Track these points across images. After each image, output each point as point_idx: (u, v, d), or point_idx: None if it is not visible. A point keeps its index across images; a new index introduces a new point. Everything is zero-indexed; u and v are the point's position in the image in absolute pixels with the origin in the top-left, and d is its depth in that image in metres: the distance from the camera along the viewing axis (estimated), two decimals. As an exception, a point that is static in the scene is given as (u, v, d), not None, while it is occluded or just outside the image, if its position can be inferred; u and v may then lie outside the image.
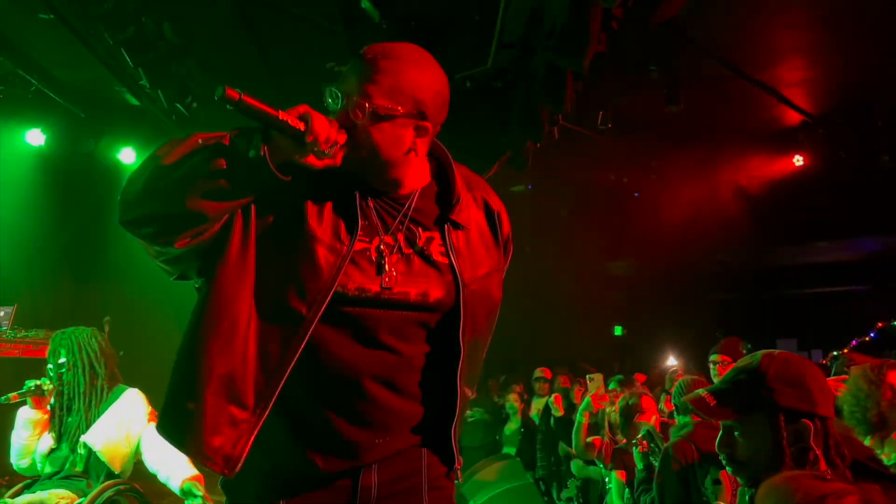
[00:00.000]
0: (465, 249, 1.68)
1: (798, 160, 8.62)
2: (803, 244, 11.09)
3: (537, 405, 7.48)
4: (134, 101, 7.14)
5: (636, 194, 10.12)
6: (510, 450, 7.17)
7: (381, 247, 1.57)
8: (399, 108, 1.53)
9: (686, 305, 11.70)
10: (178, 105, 6.75)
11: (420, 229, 1.64)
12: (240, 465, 1.49)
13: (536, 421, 7.14)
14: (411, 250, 1.60)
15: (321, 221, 1.54)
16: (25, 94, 6.80)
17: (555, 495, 6.38)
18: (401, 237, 1.60)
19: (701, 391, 1.79)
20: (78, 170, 7.60)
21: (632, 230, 10.51)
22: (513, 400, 7.38)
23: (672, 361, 4.97)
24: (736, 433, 1.70)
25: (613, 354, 11.60)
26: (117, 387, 3.67)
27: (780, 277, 11.86)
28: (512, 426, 7.31)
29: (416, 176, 1.67)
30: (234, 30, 6.17)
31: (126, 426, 3.51)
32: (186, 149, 1.50)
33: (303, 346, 1.47)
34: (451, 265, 1.62)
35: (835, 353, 5.38)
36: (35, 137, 7.15)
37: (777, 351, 1.74)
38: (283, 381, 1.48)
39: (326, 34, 6.20)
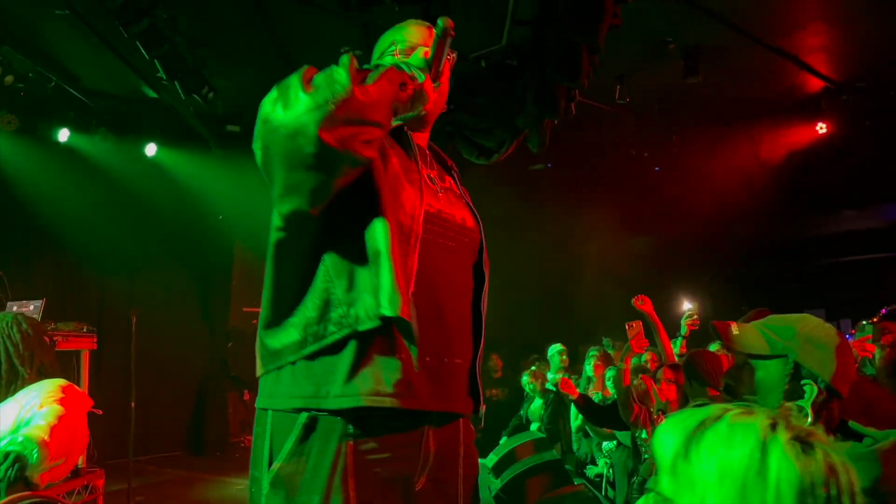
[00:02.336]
0: (468, 196, 1.86)
1: (821, 128, 8.48)
2: (828, 213, 10.93)
3: (553, 381, 7.51)
4: (152, 93, 7.20)
5: (657, 168, 10.01)
6: (536, 426, 7.20)
7: (431, 175, 1.73)
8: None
9: (711, 279, 11.61)
10: (196, 96, 6.79)
11: (441, 170, 1.83)
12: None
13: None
14: (442, 184, 1.76)
15: (397, 154, 1.64)
16: (45, 91, 6.88)
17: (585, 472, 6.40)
18: (434, 174, 1.75)
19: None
20: (101, 164, 7.69)
21: (653, 205, 10.42)
22: (528, 380, 7.40)
23: (687, 305, 4.88)
24: (745, 370, 1.71)
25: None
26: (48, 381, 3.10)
27: (805, 247, 11.71)
28: (535, 403, 7.33)
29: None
30: (248, 18, 6.18)
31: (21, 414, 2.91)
32: (383, 77, 1.50)
33: (417, 256, 1.54)
34: (468, 203, 1.81)
35: (864, 321, 5.31)
36: (59, 133, 7.25)
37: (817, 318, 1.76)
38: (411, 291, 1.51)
39: (340, 19, 6.19)
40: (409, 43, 1.80)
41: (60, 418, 2.76)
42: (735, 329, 1.75)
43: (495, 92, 6.68)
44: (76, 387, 3.10)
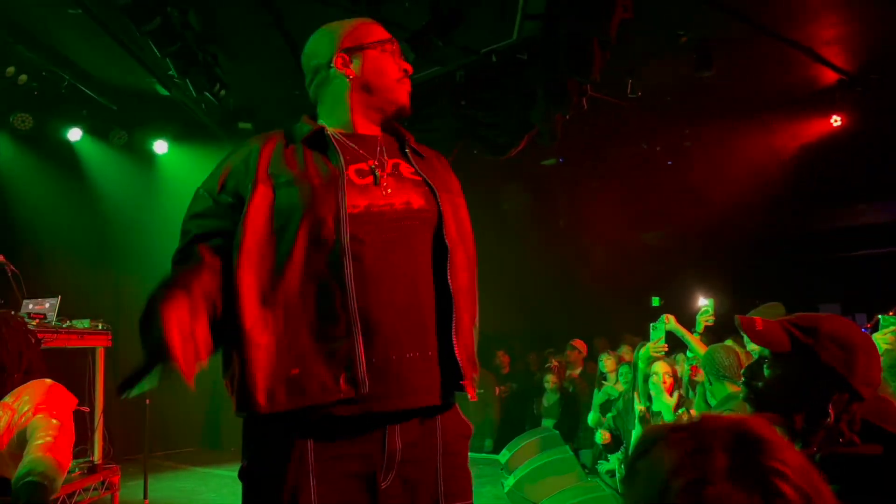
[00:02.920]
0: (430, 171, 1.82)
1: (835, 121, 8.41)
2: (843, 207, 10.84)
3: (570, 376, 7.52)
4: (164, 91, 7.23)
5: (669, 163, 9.97)
6: (549, 422, 7.20)
7: (362, 168, 1.72)
8: None
9: (724, 273, 11.54)
10: (207, 94, 6.81)
11: (386, 158, 1.78)
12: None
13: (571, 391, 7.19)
14: (384, 171, 1.74)
15: (307, 167, 1.68)
16: (59, 90, 6.93)
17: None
18: (370, 164, 1.74)
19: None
20: (113, 162, 7.74)
21: (666, 199, 10.37)
22: (548, 376, 7.40)
23: (702, 301, 4.86)
24: (765, 365, 1.70)
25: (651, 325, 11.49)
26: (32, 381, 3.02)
27: (820, 241, 11.63)
28: (550, 398, 7.34)
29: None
30: (258, 15, 6.19)
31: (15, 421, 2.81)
32: None
33: (350, 267, 1.58)
34: (423, 179, 1.77)
35: (880, 316, 5.26)
36: (71, 132, 7.29)
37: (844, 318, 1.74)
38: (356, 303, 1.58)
39: (350, 15, 6.19)
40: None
41: (59, 429, 2.74)
42: (760, 324, 1.74)
43: (506, 87, 6.67)
44: (61, 386, 3.09)
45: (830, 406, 1.57)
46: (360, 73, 1.83)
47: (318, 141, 1.76)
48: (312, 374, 1.56)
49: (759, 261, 11.80)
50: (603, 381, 6.58)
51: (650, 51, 6.84)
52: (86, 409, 3.32)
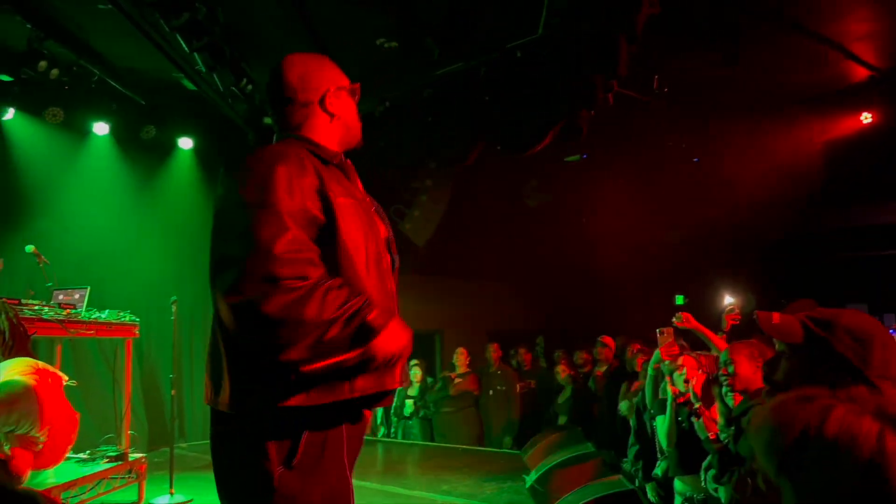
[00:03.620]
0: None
1: (866, 118, 8.29)
2: (872, 205, 10.67)
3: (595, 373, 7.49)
4: (191, 86, 7.29)
5: (695, 159, 9.88)
6: (562, 418, 7.20)
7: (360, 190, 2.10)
8: None
9: (751, 272, 11.42)
10: (234, 88, 6.87)
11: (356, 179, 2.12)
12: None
13: (593, 389, 7.17)
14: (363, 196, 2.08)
15: (349, 188, 2.01)
16: (88, 85, 7.02)
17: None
18: (360, 187, 2.13)
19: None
20: (142, 156, 7.83)
21: (692, 196, 10.28)
22: (561, 370, 7.39)
23: (728, 300, 4.84)
24: (783, 359, 1.68)
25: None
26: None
27: (848, 239, 11.46)
28: (565, 395, 7.32)
29: None
30: (285, 10, 6.23)
31: None
32: None
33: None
34: (373, 200, 2.12)
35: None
36: (99, 126, 7.39)
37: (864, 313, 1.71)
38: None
39: (376, 11, 6.21)
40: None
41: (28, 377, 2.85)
42: (776, 318, 1.73)
43: (531, 83, 6.65)
44: (47, 365, 3.19)
45: None
46: (341, 112, 2.11)
47: (339, 164, 2.04)
48: None
49: (787, 259, 11.66)
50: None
51: (677, 46, 6.78)
52: (75, 382, 3.41)
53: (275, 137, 2.10)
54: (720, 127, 9.19)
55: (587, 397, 7.09)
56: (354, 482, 1.87)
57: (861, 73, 7.65)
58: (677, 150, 9.66)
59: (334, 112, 2.08)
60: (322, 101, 2.07)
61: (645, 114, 8.35)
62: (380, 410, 8.56)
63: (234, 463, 1.76)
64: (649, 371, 4.72)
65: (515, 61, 6.69)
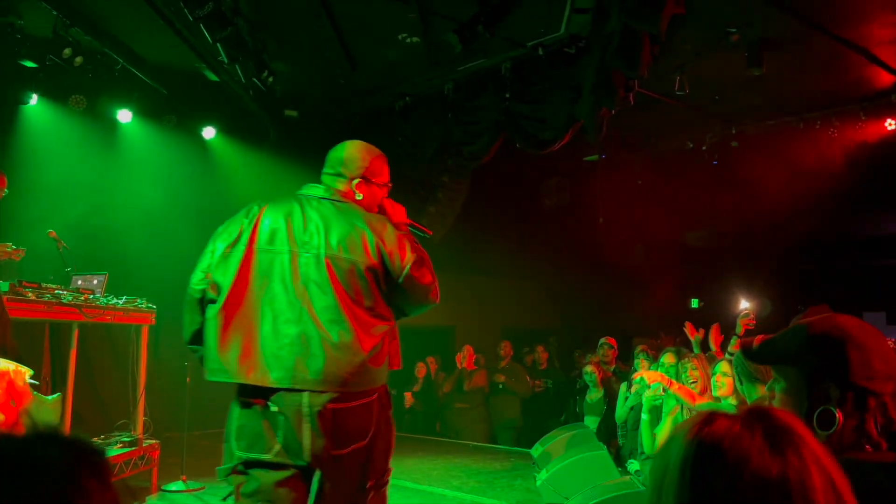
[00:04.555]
0: None
1: (890, 124, 8.19)
2: (893, 212, 10.57)
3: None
4: (213, 77, 7.33)
5: (715, 162, 9.81)
6: (592, 420, 7.14)
7: None
8: None
9: (767, 277, 11.34)
10: (255, 80, 6.90)
11: None
12: None
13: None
14: None
15: None
16: (112, 73, 7.07)
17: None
18: None
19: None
20: (162, 145, 7.88)
21: (710, 199, 10.21)
22: (590, 370, 7.35)
23: (744, 304, 4.86)
24: (773, 384, 1.65)
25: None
26: None
27: (868, 247, 11.35)
28: (594, 396, 7.27)
29: None
30: (308, 3, 6.24)
31: None
32: None
33: None
34: None
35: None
36: (122, 114, 7.44)
37: (838, 314, 1.67)
38: None
39: (398, 5, 6.21)
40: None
41: None
42: (757, 342, 1.70)
43: (552, 80, 6.64)
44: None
45: (838, 410, 1.51)
46: (381, 200, 2.78)
47: None
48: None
49: (805, 265, 11.57)
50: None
51: (700, 47, 6.73)
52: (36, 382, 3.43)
53: (328, 186, 2.71)
54: (741, 130, 9.13)
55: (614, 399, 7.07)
56: None
57: (886, 78, 7.56)
58: (697, 152, 9.60)
59: (381, 201, 2.78)
60: (381, 187, 2.77)
61: (666, 115, 8.31)
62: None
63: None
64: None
65: (538, 59, 6.68)
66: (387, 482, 2.56)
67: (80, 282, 5.33)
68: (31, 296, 4.36)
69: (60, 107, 7.12)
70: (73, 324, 5.65)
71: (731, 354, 4.52)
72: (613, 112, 6.12)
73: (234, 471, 2.41)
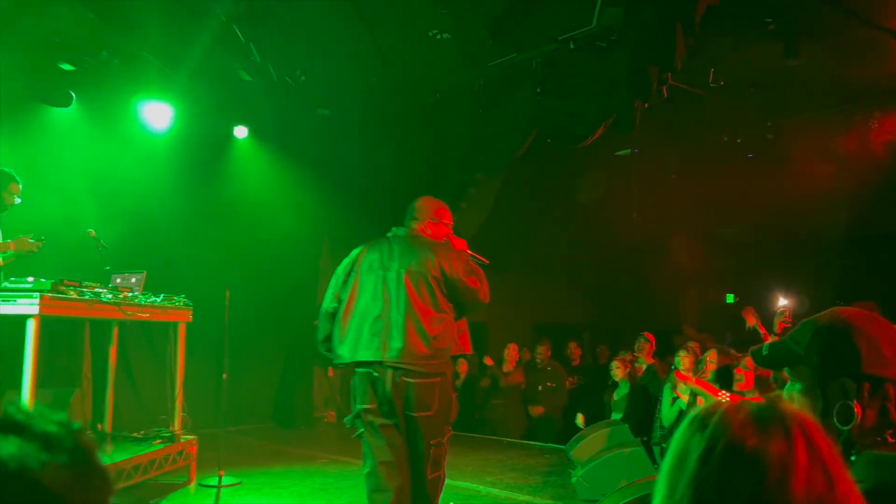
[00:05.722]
0: None
1: (933, 113, 8.00)
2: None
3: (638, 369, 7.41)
4: (246, 76, 7.40)
5: (751, 155, 9.66)
6: (617, 415, 7.11)
7: None
8: None
9: (806, 272, 11.13)
10: (288, 79, 6.95)
11: None
12: None
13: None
14: None
15: None
16: (146, 73, 7.17)
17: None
18: None
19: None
20: (196, 144, 7.96)
21: (746, 193, 10.06)
22: (615, 366, 7.31)
23: (782, 301, 4.81)
24: (790, 388, 1.62)
25: (725, 323, 11.22)
26: None
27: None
28: (621, 391, 7.24)
29: None
30: (339, 2, 6.27)
31: None
32: None
33: None
34: None
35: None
36: (155, 114, 7.53)
37: (841, 307, 1.64)
38: None
39: (429, 3, 6.21)
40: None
41: None
42: (764, 349, 1.67)
43: (584, 75, 6.59)
44: None
45: (855, 403, 1.48)
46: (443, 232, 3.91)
47: None
48: None
49: (844, 260, 11.33)
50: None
51: (735, 38, 6.62)
52: None
53: (408, 227, 3.82)
54: (778, 122, 8.97)
55: (643, 395, 7.01)
56: None
57: (929, 67, 7.39)
58: (732, 145, 9.46)
59: (447, 235, 3.91)
60: (445, 225, 3.92)
61: (700, 107, 8.20)
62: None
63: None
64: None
65: (569, 53, 6.63)
66: (446, 442, 3.66)
67: (118, 280, 5.41)
68: (72, 294, 4.44)
69: (98, 108, 7.24)
70: (113, 321, 5.76)
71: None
72: (647, 105, 6.06)
73: (356, 416, 3.62)
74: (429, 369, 3.50)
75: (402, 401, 3.49)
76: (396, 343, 3.48)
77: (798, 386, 1.60)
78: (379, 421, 3.54)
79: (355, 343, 3.58)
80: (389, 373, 3.48)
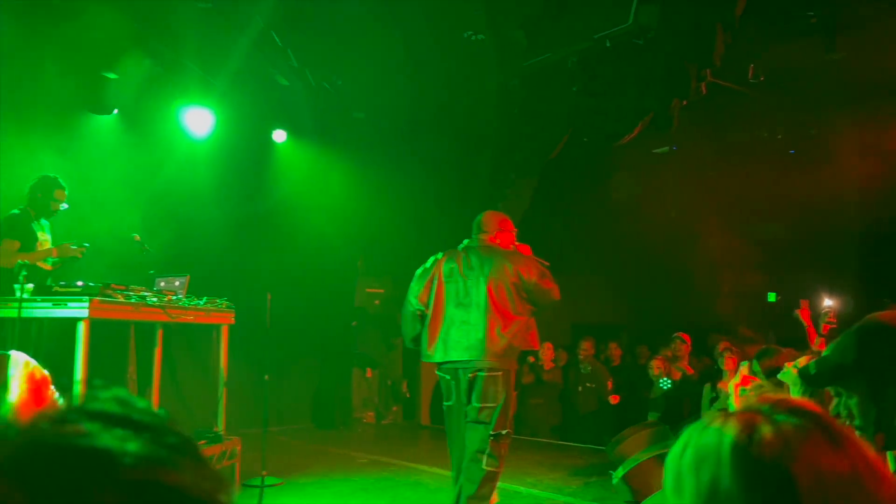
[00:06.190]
0: None
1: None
2: None
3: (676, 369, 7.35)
4: (284, 81, 7.49)
5: (791, 151, 9.50)
6: (654, 414, 7.07)
7: None
8: None
9: (850, 271, 10.91)
10: (325, 83, 7.02)
11: None
12: None
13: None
14: None
15: None
16: (186, 80, 7.30)
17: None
18: None
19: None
20: (235, 149, 8.07)
21: (787, 190, 9.88)
22: (654, 366, 7.25)
23: (827, 302, 4.72)
24: (841, 398, 1.59)
25: (766, 322, 11.04)
26: None
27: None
28: (656, 392, 7.19)
29: None
30: (373, 4, 6.32)
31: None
32: None
33: None
34: None
35: None
36: (196, 120, 7.66)
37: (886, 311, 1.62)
38: None
39: (464, 4, 6.23)
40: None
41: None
42: (811, 367, 1.65)
43: (620, 73, 6.54)
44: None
45: None
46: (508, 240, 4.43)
47: None
48: None
49: (889, 258, 11.07)
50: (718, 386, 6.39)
51: (775, 32, 6.52)
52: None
53: (479, 239, 4.32)
54: (819, 117, 8.81)
55: (679, 394, 6.96)
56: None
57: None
58: (773, 141, 9.31)
59: (512, 242, 4.43)
60: (510, 233, 4.43)
61: (739, 104, 8.09)
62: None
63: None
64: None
65: (605, 51, 6.59)
66: (507, 433, 4.08)
67: (162, 283, 5.52)
68: (119, 298, 4.54)
69: (140, 115, 7.38)
70: (157, 324, 5.87)
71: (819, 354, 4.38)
72: (685, 103, 6.00)
73: (445, 412, 4.21)
74: (501, 365, 4.00)
75: (476, 394, 4.00)
76: (479, 344, 3.97)
77: (853, 399, 1.58)
78: (460, 414, 4.09)
79: (444, 345, 4.10)
80: (471, 371, 4.00)
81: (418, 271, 4.32)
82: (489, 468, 3.99)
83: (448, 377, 4.12)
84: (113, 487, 0.44)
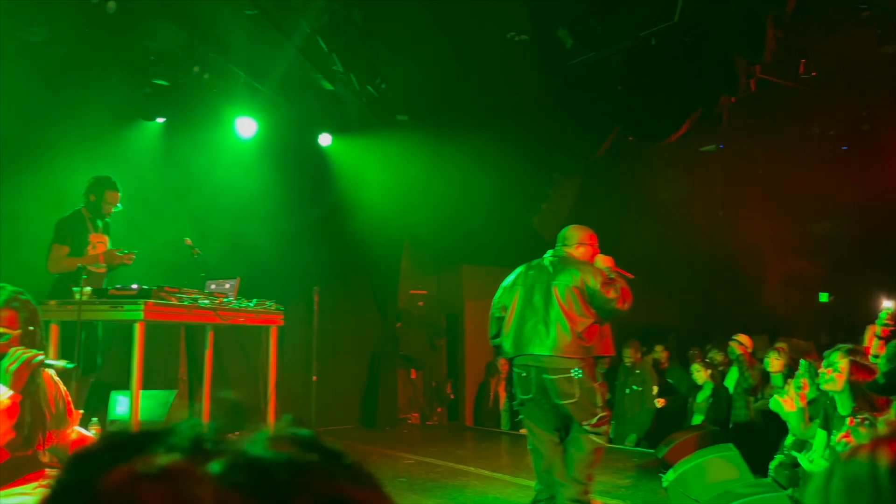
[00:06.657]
0: None
1: None
2: None
3: (733, 373, 7.20)
4: (328, 86, 7.57)
5: (844, 148, 9.25)
6: (699, 418, 6.96)
7: None
8: None
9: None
10: (369, 87, 7.07)
11: None
12: None
13: (731, 389, 6.92)
14: None
15: None
16: (234, 86, 7.43)
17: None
18: None
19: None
20: (282, 153, 8.19)
21: (840, 187, 9.64)
22: (696, 368, 7.15)
23: (886, 304, 4.56)
24: None
25: (819, 323, 10.78)
26: None
27: None
28: (703, 394, 7.08)
29: None
30: (416, 6, 6.35)
31: None
32: None
33: None
34: None
35: None
36: (244, 126, 7.79)
37: None
38: None
39: (507, 4, 6.22)
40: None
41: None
42: (879, 378, 1.60)
43: (666, 71, 6.46)
44: None
45: None
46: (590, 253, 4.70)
47: None
48: None
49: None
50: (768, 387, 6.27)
51: (827, 26, 6.37)
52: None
53: (563, 250, 4.64)
54: (873, 113, 8.58)
55: (726, 397, 6.84)
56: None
57: None
58: (824, 138, 9.09)
59: (594, 255, 4.69)
60: (593, 247, 4.69)
61: (789, 100, 7.91)
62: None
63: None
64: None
65: (650, 49, 6.51)
66: (598, 428, 4.37)
67: (213, 286, 5.62)
68: (173, 300, 4.63)
69: (189, 121, 7.53)
70: (207, 326, 5.98)
71: (876, 357, 4.24)
72: (734, 100, 5.90)
73: (520, 404, 4.62)
74: (570, 364, 4.28)
75: (551, 391, 4.32)
76: (548, 341, 4.30)
77: None
78: (534, 407, 4.46)
79: (516, 341, 4.46)
80: (541, 367, 4.33)
81: (505, 280, 4.77)
82: (579, 454, 4.36)
83: (523, 374, 4.46)
84: (310, 499, 0.51)
